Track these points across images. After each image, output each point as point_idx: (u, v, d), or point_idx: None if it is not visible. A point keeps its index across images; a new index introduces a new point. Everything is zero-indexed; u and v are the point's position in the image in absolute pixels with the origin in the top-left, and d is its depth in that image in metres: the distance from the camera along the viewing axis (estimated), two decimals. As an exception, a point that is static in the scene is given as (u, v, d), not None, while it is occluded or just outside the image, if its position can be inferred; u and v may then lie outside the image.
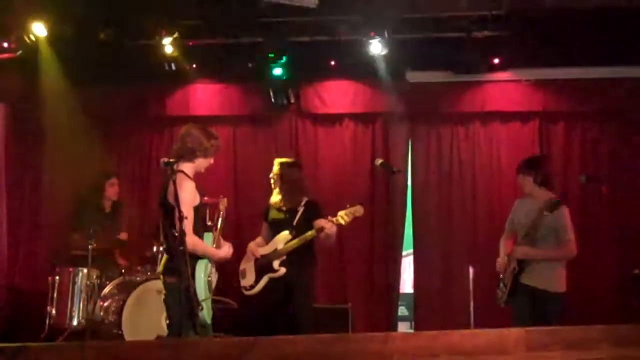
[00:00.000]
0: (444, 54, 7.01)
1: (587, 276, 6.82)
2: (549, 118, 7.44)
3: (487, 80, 7.34)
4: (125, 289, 6.32)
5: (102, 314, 6.35)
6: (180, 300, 4.20)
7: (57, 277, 6.53)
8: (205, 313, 4.45)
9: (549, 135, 7.42)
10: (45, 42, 6.89)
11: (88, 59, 6.95)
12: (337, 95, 7.60)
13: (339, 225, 5.60)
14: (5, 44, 6.91)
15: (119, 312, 6.15)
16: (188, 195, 4.38)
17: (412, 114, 7.56)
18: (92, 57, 6.91)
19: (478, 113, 7.48)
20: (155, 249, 6.42)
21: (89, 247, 6.33)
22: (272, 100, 7.33)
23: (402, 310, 7.87)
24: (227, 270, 5.55)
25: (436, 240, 7.49)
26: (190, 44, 7.11)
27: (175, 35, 6.86)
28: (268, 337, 3.32)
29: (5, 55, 6.98)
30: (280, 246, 5.67)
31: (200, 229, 4.55)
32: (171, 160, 4.34)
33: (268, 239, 5.82)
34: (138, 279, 6.41)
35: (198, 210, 4.51)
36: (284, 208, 5.77)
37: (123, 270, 6.66)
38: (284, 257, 5.65)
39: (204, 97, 7.68)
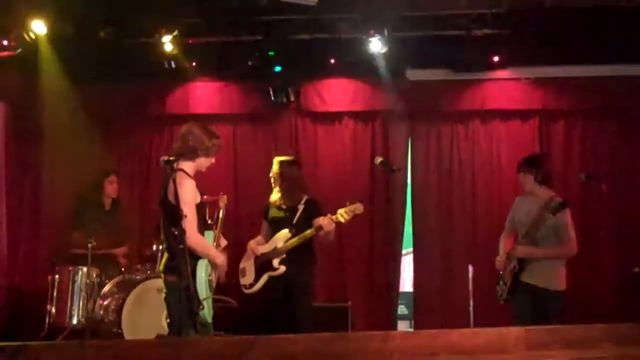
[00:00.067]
0: (444, 52, 7.00)
1: (587, 274, 6.84)
2: (549, 116, 7.43)
3: (487, 79, 7.33)
4: (125, 288, 6.31)
5: (102, 312, 6.35)
6: (181, 299, 4.21)
7: (57, 276, 6.52)
8: (206, 312, 4.45)
9: (549, 133, 7.42)
10: (45, 40, 6.88)
11: (88, 57, 6.93)
12: (336, 94, 7.59)
13: (339, 223, 5.61)
14: (5, 42, 6.89)
15: (119, 310, 6.14)
16: (188, 194, 4.37)
17: (412, 112, 7.55)
18: (92, 55, 6.89)
19: (478, 111, 7.47)
20: (155, 247, 6.42)
21: (89, 245, 6.34)
22: (272, 98, 7.32)
23: (402, 309, 7.87)
24: (227, 269, 5.53)
25: (436, 239, 7.48)
26: (190, 42, 7.09)
27: (175, 33, 6.85)
28: (268, 336, 3.32)
29: (5, 54, 6.97)
30: (280, 244, 5.67)
31: (201, 227, 4.55)
32: (171, 158, 4.32)
33: (268, 237, 5.82)
34: (138, 277, 6.40)
35: (198, 208, 4.51)
36: (283, 206, 5.77)
37: (123, 269, 6.65)
38: (284, 256, 5.65)
39: (204, 95, 7.67)
